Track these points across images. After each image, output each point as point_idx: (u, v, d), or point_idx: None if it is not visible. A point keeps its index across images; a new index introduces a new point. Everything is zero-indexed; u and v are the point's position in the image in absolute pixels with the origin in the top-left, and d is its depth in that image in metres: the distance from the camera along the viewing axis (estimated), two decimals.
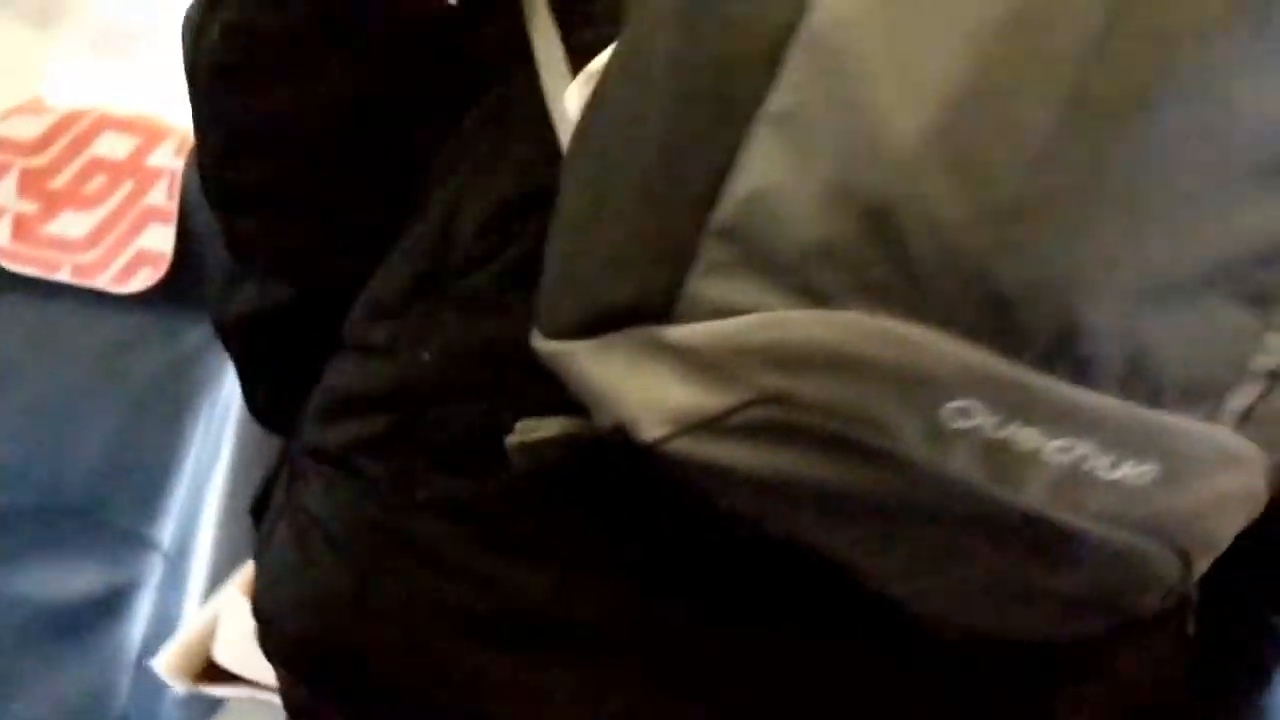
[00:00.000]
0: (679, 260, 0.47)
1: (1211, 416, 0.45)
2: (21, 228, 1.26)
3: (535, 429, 0.51)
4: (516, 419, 0.52)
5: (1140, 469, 0.44)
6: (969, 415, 0.44)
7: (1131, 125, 0.42)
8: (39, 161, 1.26)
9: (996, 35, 0.42)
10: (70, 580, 1.27)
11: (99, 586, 1.27)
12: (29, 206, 1.26)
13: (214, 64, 0.66)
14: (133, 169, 1.26)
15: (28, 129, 1.26)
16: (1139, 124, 0.42)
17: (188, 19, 0.67)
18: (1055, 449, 0.44)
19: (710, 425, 0.46)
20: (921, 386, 0.44)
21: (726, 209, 0.46)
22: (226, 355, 1.13)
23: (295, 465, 0.69)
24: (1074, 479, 0.45)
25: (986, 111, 0.42)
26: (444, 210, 0.63)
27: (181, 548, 1.25)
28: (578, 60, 0.58)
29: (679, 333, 0.47)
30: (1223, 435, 0.45)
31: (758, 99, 0.45)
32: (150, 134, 1.26)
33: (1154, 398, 0.44)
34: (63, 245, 1.26)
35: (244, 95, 0.66)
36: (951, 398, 0.44)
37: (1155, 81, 0.42)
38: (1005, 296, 0.43)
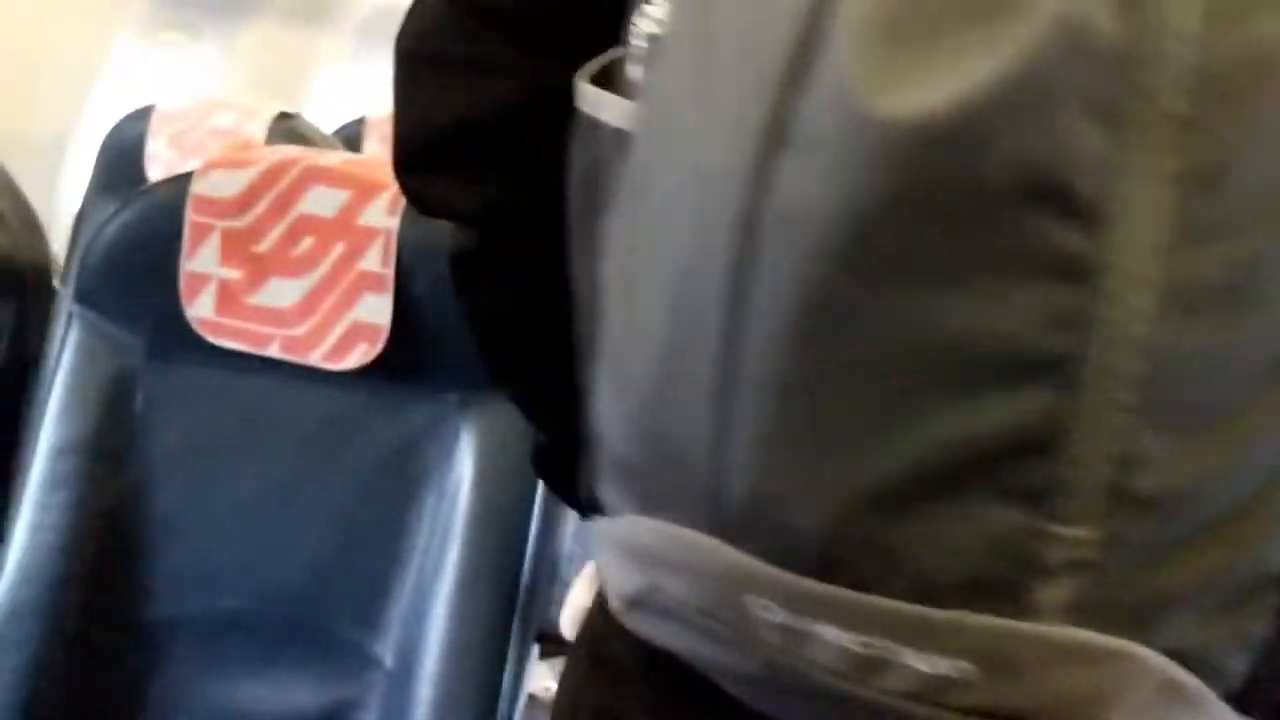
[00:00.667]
0: (587, 467, 0.54)
1: (1019, 613, 0.45)
2: (226, 298, 1.11)
3: None
4: None
5: (954, 664, 0.45)
6: (770, 610, 0.47)
7: (795, 353, 0.44)
8: (242, 223, 1.11)
9: (676, 299, 0.47)
10: (285, 696, 1.12)
11: (317, 704, 1.11)
12: (233, 274, 1.11)
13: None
14: (344, 229, 1.09)
15: (228, 186, 1.10)
16: (803, 351, 0.44)
17: None
18: (857, 643, 0.46)
19: (636, 605, 0.53)
20: (721, 584, 0.48)
21: (593, 428, 0.53)
22: (453, 434, 1.09)
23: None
24: (891, 670, 0.46)
25: (678, 361, 0.47)
26: None
27: (405, 664, 1.08)
28: None
29: (600, 527, 0.54)
30: (1043, 631, 0.44)
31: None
32: (362, 187, 1.09)
33: (936, 597, 0.45)
34: (271, 317, 1.11)
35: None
36: (747, 593, 0.47)
37: (805, 312, 0.44)
38: (739, 511, 0.47)
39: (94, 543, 1.14)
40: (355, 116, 3.06)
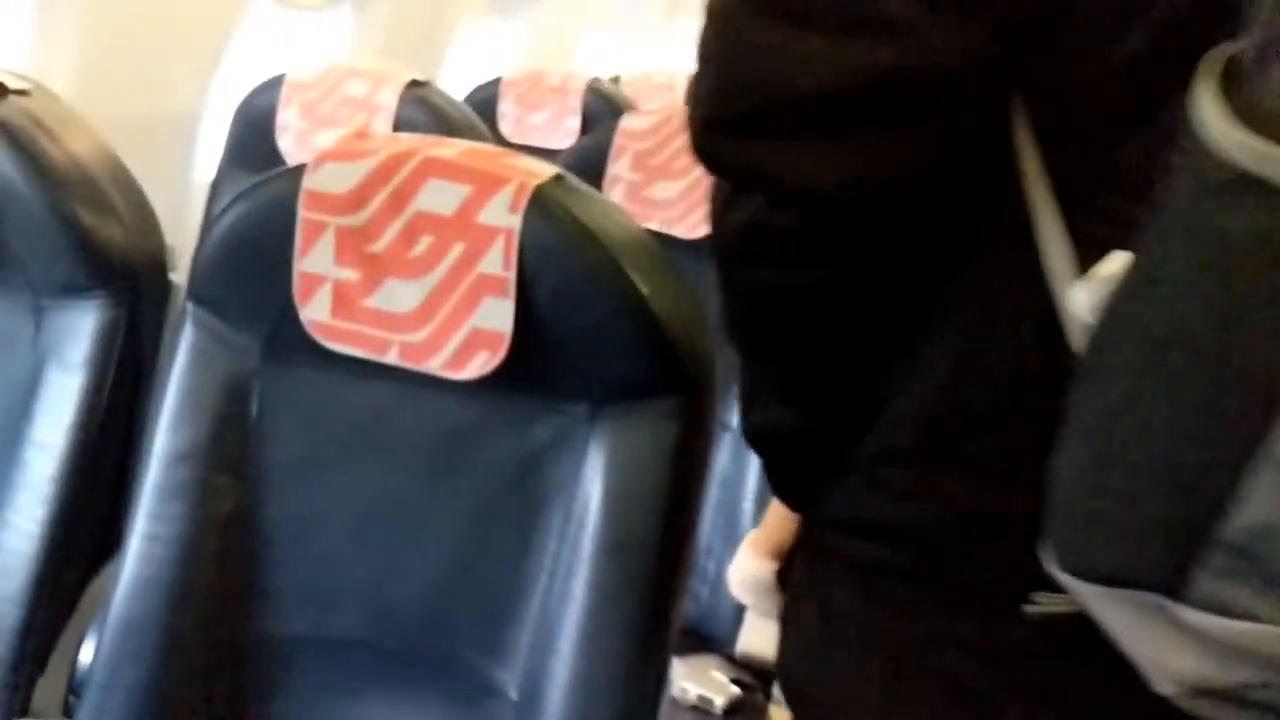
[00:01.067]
0: (1185, 551, 0.52)
1: None
2: (342, 300, 1.04)
3: (1053, 603, 0.61)
4: (1027, 580, 0.62)
5: None
6: None
7: None
8: (356, 220, 1.03)
9: None
10: None
11: None
12: (349, 274, 1.04)
13: (734, 252, 0.72)
14: (463, 228, 1.01)
15: (342, 180, 1.03)
16: None
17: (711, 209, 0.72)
18: None
19: (1215, 694, 0.54)
20: None
21: (1232, 529, 0.50)
22: (580, 449, 1.03)
23: (820, 542, 0.78)
24: None
25: None
26: (943, 375, 0.68)
27: (532, 697, 1.01)
28: (1084, 253, 0.61)
29: (1193, 616, 0.52)
30: None
31: (1263, 434, 0.50)
32: (482, 181, 1.01)
33: None
34: (388, 321, 1.04)
35: (759, 274, 0.72)
36: None
37: None
38: None
39: (209, 555, 1.09)
40: (490, 78, 2.99)
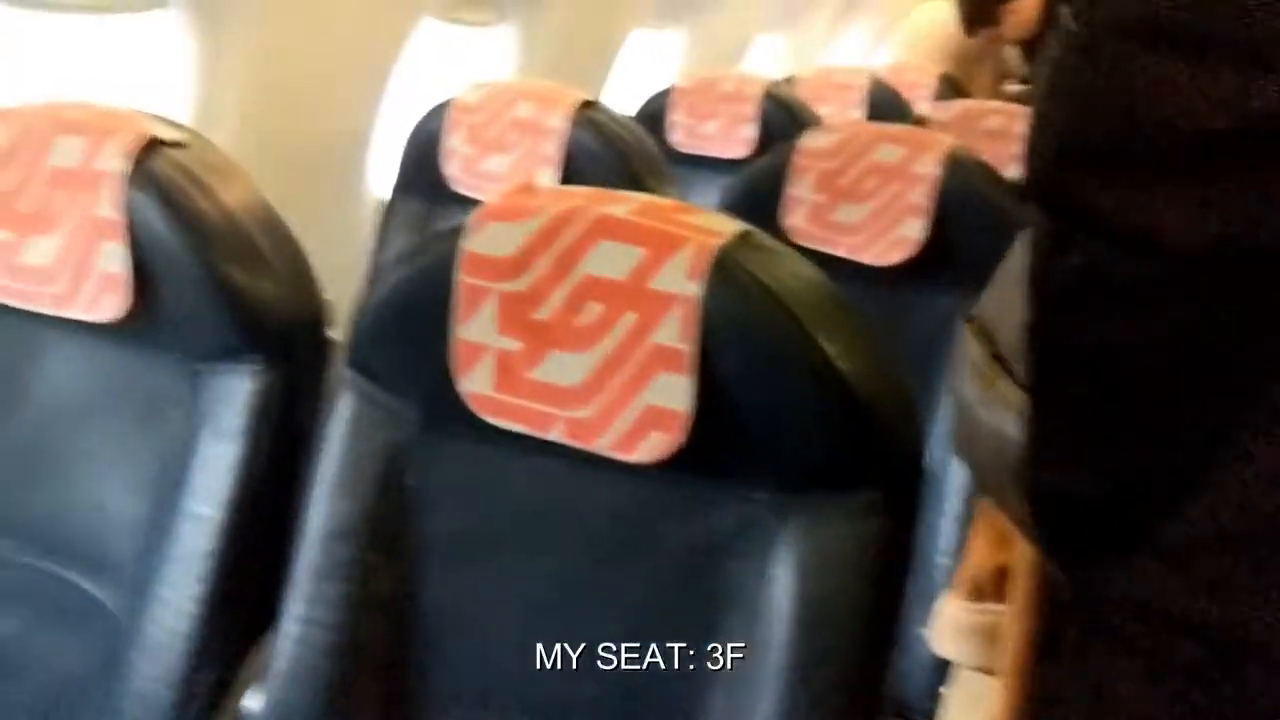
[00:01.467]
0: None
1: None
2: (505, 372, 0.96)
3: None
4: None
5: None
6: None
7: None
8: (520, 285, 0.94)
9: None
10: None
11: None
12: (512, 345, 0.95)
13: (1060, 299, 0.65)
14: (635, 295, 0.91)
15: (505, 242, 0.94)
16: None
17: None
18: None
19: None
20: None
21: None
22: (766, 543, 0.92)
23: (1100, 619, 0.69)
24: None
25: None
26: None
27: None
28: None
29: None
30: None
31: None
32: (657, 243, 0.90)
33: None
34: (553, 395, 0.94)
35: (1088, 326, 0.64)
36: None
37: None
38: None
39: (365, 642, 1.01)
40: (659, 87, 2.90)
